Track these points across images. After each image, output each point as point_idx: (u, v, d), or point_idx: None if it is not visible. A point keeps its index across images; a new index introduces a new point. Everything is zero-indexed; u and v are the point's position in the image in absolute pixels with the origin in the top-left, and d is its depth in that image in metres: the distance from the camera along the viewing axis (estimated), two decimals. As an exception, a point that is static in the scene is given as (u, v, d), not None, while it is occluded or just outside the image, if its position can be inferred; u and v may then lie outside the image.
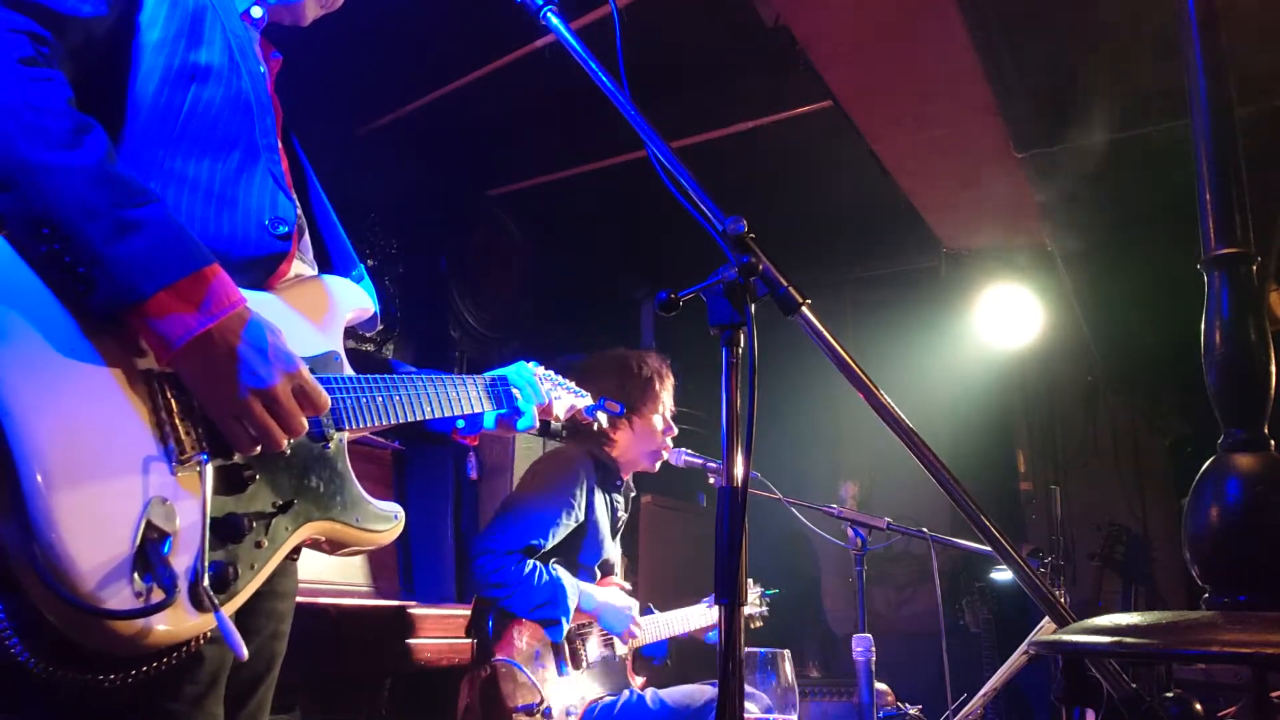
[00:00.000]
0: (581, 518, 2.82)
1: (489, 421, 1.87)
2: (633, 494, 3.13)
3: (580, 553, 2.87)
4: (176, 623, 1.11)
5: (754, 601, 3.43)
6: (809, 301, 1.22)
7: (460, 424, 1.85)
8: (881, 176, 4.21)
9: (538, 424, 1.92)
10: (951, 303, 5.31)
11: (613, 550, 3.01)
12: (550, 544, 2.73)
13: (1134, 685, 1.09)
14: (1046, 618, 1.98)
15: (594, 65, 1.38)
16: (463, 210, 4.90)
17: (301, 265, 1.51)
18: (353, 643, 2.85)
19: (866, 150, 4.00)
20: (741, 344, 1.18)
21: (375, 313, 1.63)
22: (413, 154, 4.61)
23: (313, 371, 1.35)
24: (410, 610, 3.12)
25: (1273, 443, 1.11)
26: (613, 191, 4.83)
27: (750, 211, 1.23)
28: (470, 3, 3.49)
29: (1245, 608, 1.04)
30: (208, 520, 1.16)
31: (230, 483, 1.24)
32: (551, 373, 2.10)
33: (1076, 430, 5.84)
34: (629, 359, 3.03)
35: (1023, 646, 2.84)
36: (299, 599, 2.91)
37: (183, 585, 1.12)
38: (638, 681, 2.90)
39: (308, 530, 1.34)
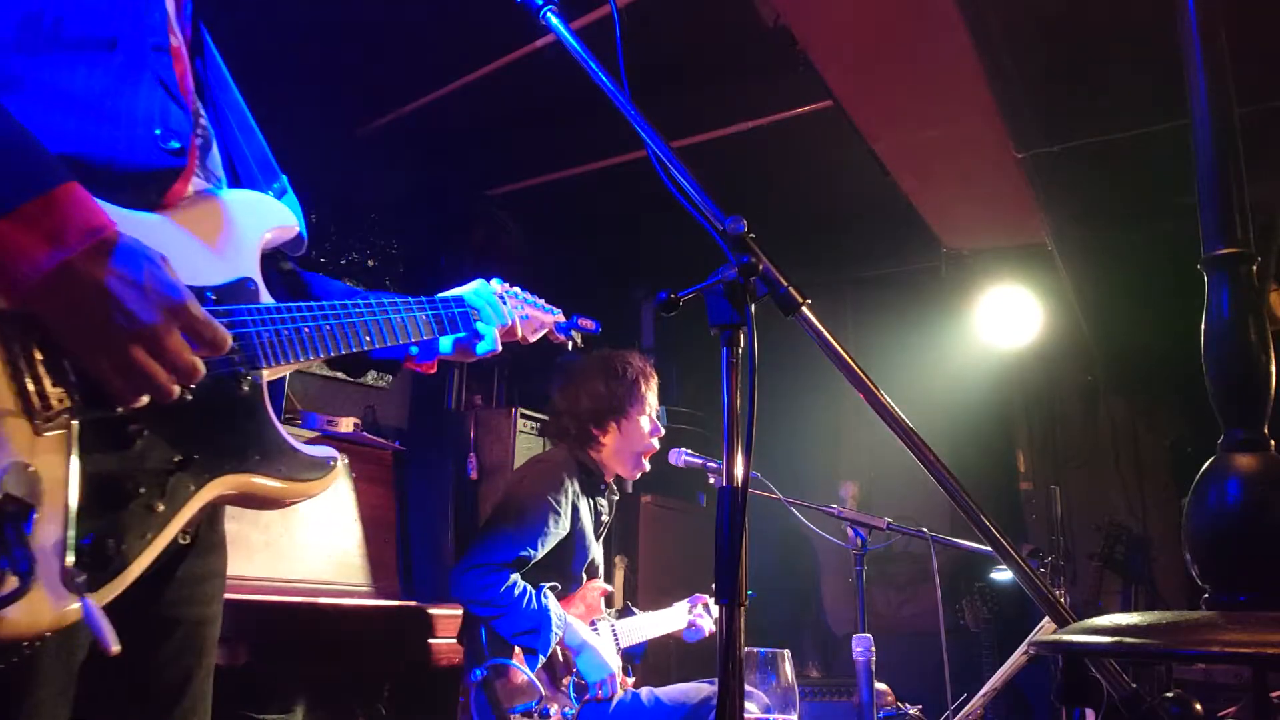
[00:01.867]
0: (568, 526, 2.82)
1: (445, 346, 1.72)
2: (616, 496, 3.14)
3: (568, 560, 2.88)
4: (35, 613, 0.94)
5: None
6: (809, 301, 1.22)
7: (414, 350, 1.68)
8: (881, 176, 4.21)
9: (499, 348, 1.75)
10: (951, 303, 5.31)
11: (597, 553, 3.03)
12: (540, 553, 2.74)
13: (1134, 685, 1.09)
14: (1046, 618, 1.98)
15: (594, 65, 1.38)
16: (463, 210, 4.90)
17: (205, 183, 1.32)
18: (353, 643, 2.85)
19: (866, 150, 4.00)
20: (741, 344, 1.18)
21: (300, 232, 1.42)
22: (413, 154, 4.62)
23: (220, 302, 1.20)
24: (410, 610, 3.13)
25: (1273, 443, 1.11)
26: (613, 191, 4.83)
27: (750, 211, 1.23)
28: (470, 3, 3.49)
29: (1245, 608, 1.04)
30: (72, 485, 0.99)
31: (112, 439, 1.05)
32: (518, 289, 1.92)
33: (1076, 430, 5.85)
34: (612, 360, 3.04)
35: (1023, 646, 2.84)
36: (298, 599, 2.92)
37: (45, 567, 0.95)
38: (629, 681, 2.90)
39: (219, 487, 1.17)
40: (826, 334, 1.22)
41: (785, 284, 1.21)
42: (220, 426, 1.18)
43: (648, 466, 3.04)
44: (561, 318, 2.06)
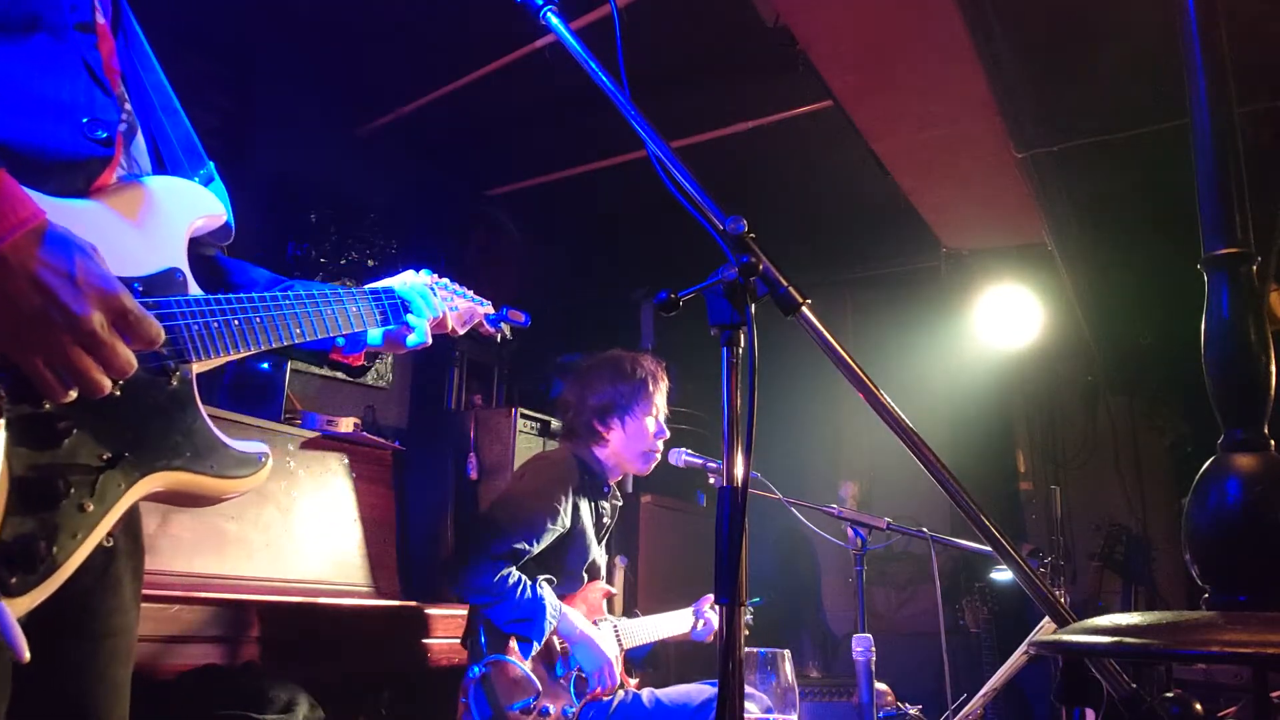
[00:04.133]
0: (568, 524, 2.81)
1: (374, 339, 1.66)
2: (619, 502, 3.13)
3: (566, 558, 2.87)
4: None
5: None
6: (809, 301, 1.22)
7: (340, 341, 1.63)
8: (881, 176, 4.21)
9: (429, 340, 1.69)
10: (951, 303, 5.31)
11: (598, 554, 3.01)
12: (536, 549, 2.73)
13: (1134, 685, 1.09)
14: (1046, 618, 1.99)
15: (594, 65, 1.38)
16: (462, 210, 4.91)
17: (129, 171, 1.29)
18: (353, 643, 2.85)
19: (866, 150, 4.00)
20: (741, 344, 1.18)
21: (227, 221, 1.38)
22: (413, 154, 4.62)
23: (148, 294, 1.17)
24: (410, 610, 3.13)
25: (1273, 443, 1.11)
26: (612, 191, 4.84)
27: (750, 211, 1.23)
28: (470, 3, 3.49)
29: (1245, 608, 1.03)
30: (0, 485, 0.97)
31: (40, 436, 1.03)
32: (447, 281, 1.88)
33: (1076, 430, 5.85)
34: (623, 359, 3.04)
35: (1023, 646, 2.84)
36: (298, 599, 2.92)
37: None
38: (632, 682, 2.90)
39: (148, 485, 1.14)
40: (826, 334, 1.22)
41: (785, 284, 1.21)
42: (150, 422, 1.16)
43: (648, 470, 3.03)
44: (491, 309, 2.01)
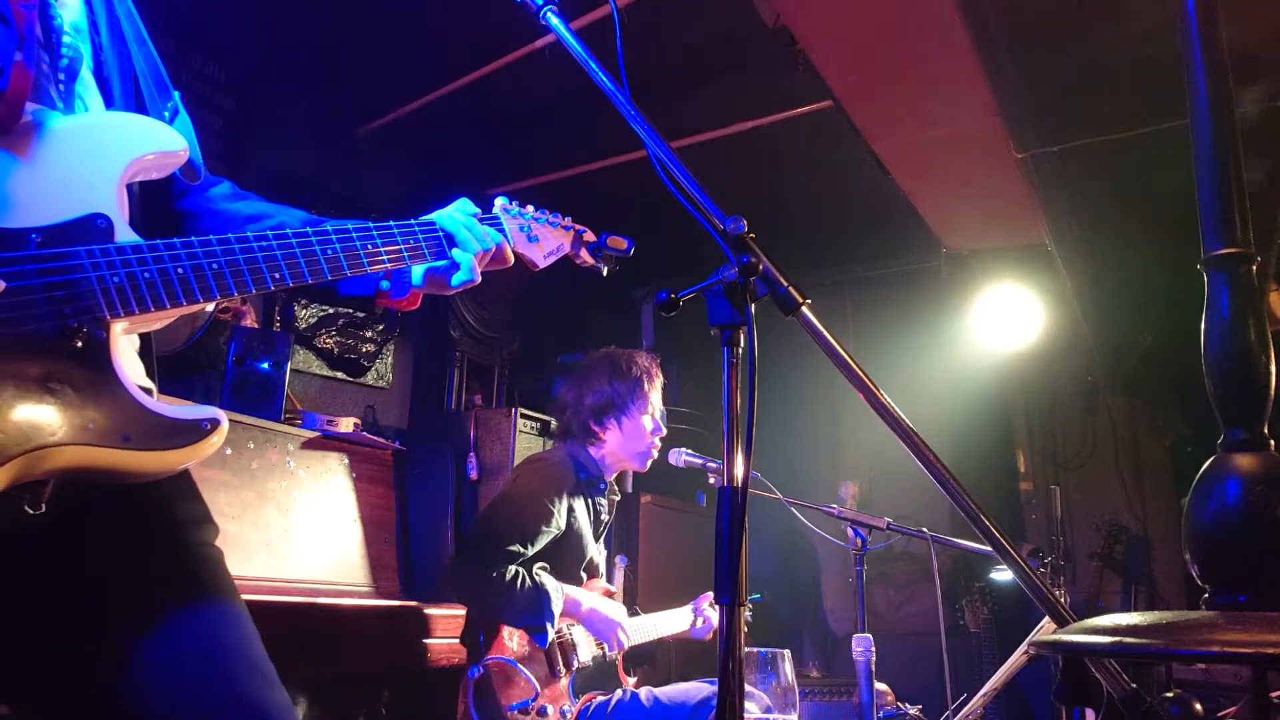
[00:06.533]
0: (563, 525, 2.82)
1: (417, 278, 1.49)
2: (617, 497, 3.14)
3: (563, 559, 2.88)
4: None
5: None
6: (809, 301, 1.22)
7: (385, 285, 1.48)
8: (881, 176, 4.21)
9: (478, 277, 1.50)
10: (951, 303, 5.31)
11: (596, 552, 3.03)
12: (532, 550, 2.75)
13: (1134, 685, 1.09)
14: (1046, 618, 1.99)
15: (594, 65, 1.38)
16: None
17: (54, 109, 1.18)
18: (353, 643, 2.85)
19: (866, 150, 4.00)
20: (741, 344, 1.18)
21: (191, 157, 1.26)
22: (413, 154, 4.62)
23: (49, 245, 1.06)
24: (410, 610, 3.13)
25: (1273, 443, 1.11)
26: (613, 191, 4.83)
27: (750, 211, 1.24)
28: (470, 3, 3.49)
29: (1245, 608, 1.03)
30: None
31: None
32: (530, 207, 1.67)
33: (1076, 430, 5.85)
34: (618, 357, 3.04)
35: (1023, 646, 2.84)
36: (298, 599, 2.92)
37: None
38: (630, 681, 2.91)
39: (35, 463, 0.99)
40: (826, 334, 1.22)
41: (785, 284, 1.21)
42: (36, 394, 1.01)
43: (645, 467, 3.05)
44: (590, 235, 1.78)
